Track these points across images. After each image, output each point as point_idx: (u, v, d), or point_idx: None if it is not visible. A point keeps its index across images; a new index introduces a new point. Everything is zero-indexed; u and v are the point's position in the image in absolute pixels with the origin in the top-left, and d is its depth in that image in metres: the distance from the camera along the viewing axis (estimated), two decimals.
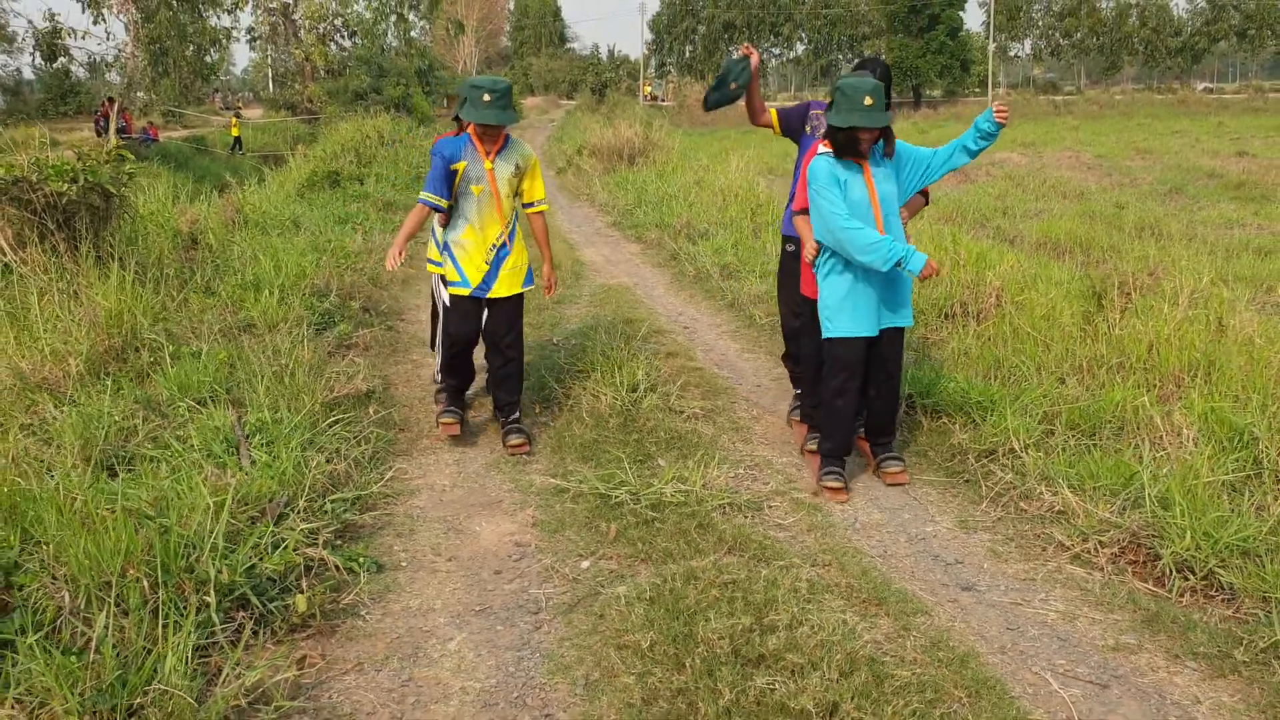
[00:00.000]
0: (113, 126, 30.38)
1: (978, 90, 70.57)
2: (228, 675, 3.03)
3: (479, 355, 5.76)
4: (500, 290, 5.35)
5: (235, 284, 8.27)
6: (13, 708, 2.60)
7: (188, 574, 3.48)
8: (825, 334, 4.87)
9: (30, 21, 37.51)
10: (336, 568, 3.92)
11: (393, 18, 46.46)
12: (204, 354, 6.25)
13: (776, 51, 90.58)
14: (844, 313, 4.80)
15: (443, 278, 5.54)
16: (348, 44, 47.60)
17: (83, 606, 3.19)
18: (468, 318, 5.39)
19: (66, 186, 8.31)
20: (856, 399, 4.93)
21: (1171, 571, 3.86)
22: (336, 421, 5.31)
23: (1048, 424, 5.19)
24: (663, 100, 62.67)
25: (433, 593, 3.93)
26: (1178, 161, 22.85)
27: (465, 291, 5.33)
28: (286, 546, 3.84)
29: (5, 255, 8.03)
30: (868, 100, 4.59)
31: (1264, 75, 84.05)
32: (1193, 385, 5.59)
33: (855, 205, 4.73)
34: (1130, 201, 16.48)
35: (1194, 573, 3.83)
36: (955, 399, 5.59)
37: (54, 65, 38.14)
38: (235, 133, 33.54)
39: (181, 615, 3.20)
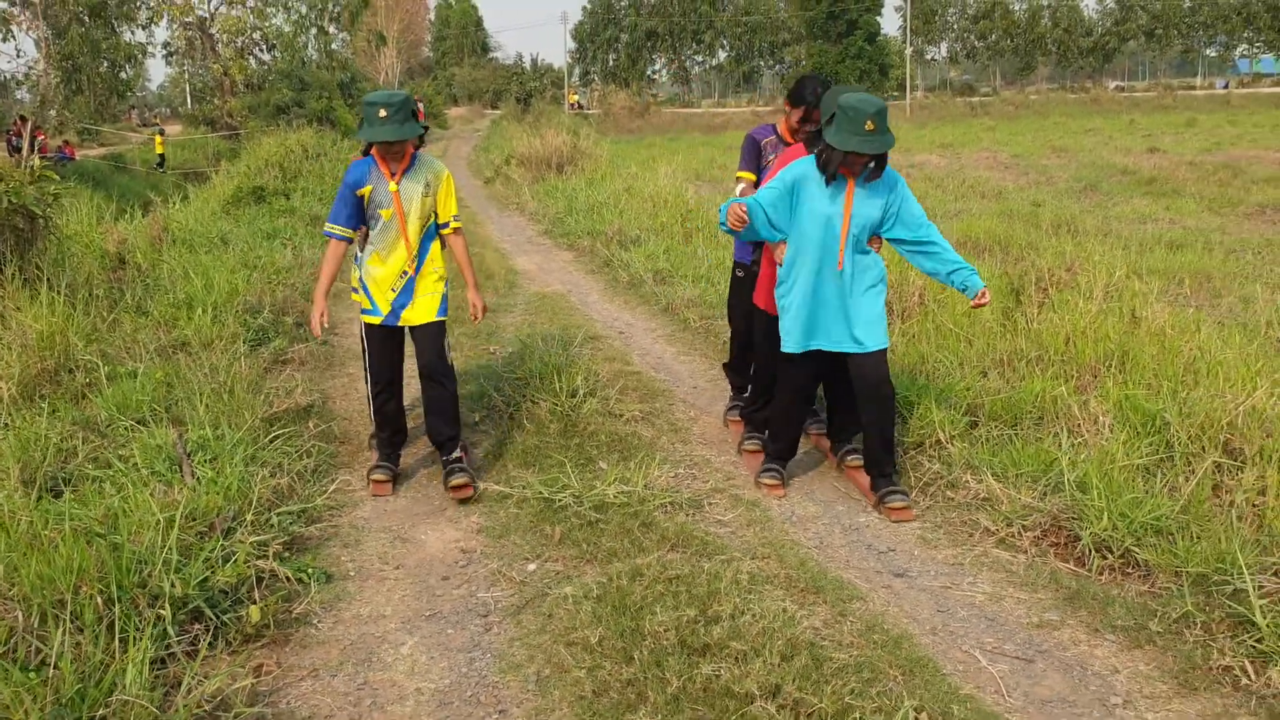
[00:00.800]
0: (26, 145, 29.73)
1: (896, 93, 71.73)
2: (187, 685, 3.09)
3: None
4: (414, 317, 5.04)
5: (167, 303, 8.23)
6: None
7: (141, 589, 3.52)
8: (787, 348, 4.78)
9: None
10: (287, 579, 3.98)
11: (313, 30, 46.03)
12: (140, 373, 6.25)
13: (699, 59, 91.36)
14: (799, 325, 4.72)
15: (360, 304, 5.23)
16: (267, 58, 47.01)
17: (37, 625, 3.23)
18: (384, 349, 5.11)
19: None
20: (807, 410, 5.09)
21: (1090, 551, 4.07)
22: (278, 436, 5.35)
23: (971, 416, 5.40)
24: (588, 108, 62.81)
25: (382, 600, 4.00)
26: (1092, 159, 23.43)
27: (376, 320, 5.05)
28: (237, 559, 3.89)
29: None
30: (869, 125, 4.39)
31: (1172, 73, 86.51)
32: (1108, 375, 5.84)
33: (817, 215, 4.61)
34: (1047, 199, 16.92)
35: (1111, 551, 4.05)
36: None
37: None
38: (160, 150, 32.93)
39: (138, 630, 3.24)
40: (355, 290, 5.19)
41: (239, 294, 8.46)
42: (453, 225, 5.13)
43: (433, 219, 5.07)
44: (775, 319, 4.97)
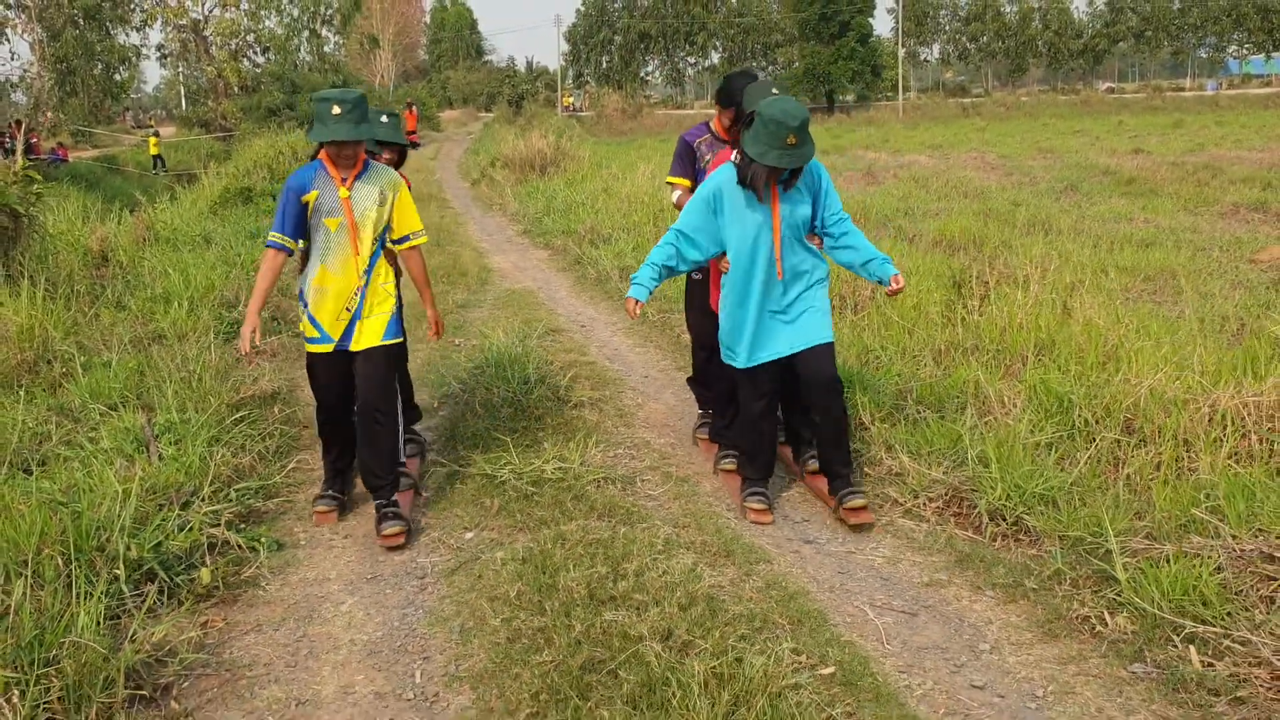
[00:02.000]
0: (19, 148, 30.01)
1: (890, 94, 72.14)
2: (134, 631, 3.41)
3: None
4: (359, 341, 4.58)
5: (145, 298, 8.55)
6: None
7: (99, 552, 3.84)
8: (736, 364, 4.67)
9: None
10: (239, 546, 4.29)
11: (305, 33, 46.31)
12: (114, 363, 6.56)
13: (693, 61, 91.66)
14: (741, 340, 4.60)
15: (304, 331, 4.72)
16: (261, 60, 47.29)
17: (0, 581, 3.54)
18: (335, 379, 4.67)
19: None
20: (775, 421, 4.88)
21: (985, 519, 4.39)
22: (242, 420, 5.66)
23: (900, 400, 5.72)
24: (581, 110, 63.13)
25: (328, 565, 4.32)
26: (1077, 160, 23.58)
27: (327, 349, 4.58)
28: (191, 528, 4.21)
29: None
30: (791, 140, 4.20)
31: (1166, 75, 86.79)
32: (1035, 362, 6.16)
33: (746, 225, 4.48)
34: (1027, 199, 17.10)
35: (1005, 519, 4.37)
36: None
37: None
38: (155, 151, 33.18)
39: (92, 585, 3.56)
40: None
41: (215, 289, 8.77)
42: (413, 240, 4.71)
43: (381, 233, 4.61)
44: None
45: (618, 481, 5.02)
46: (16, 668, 3.05)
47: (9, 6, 43.67)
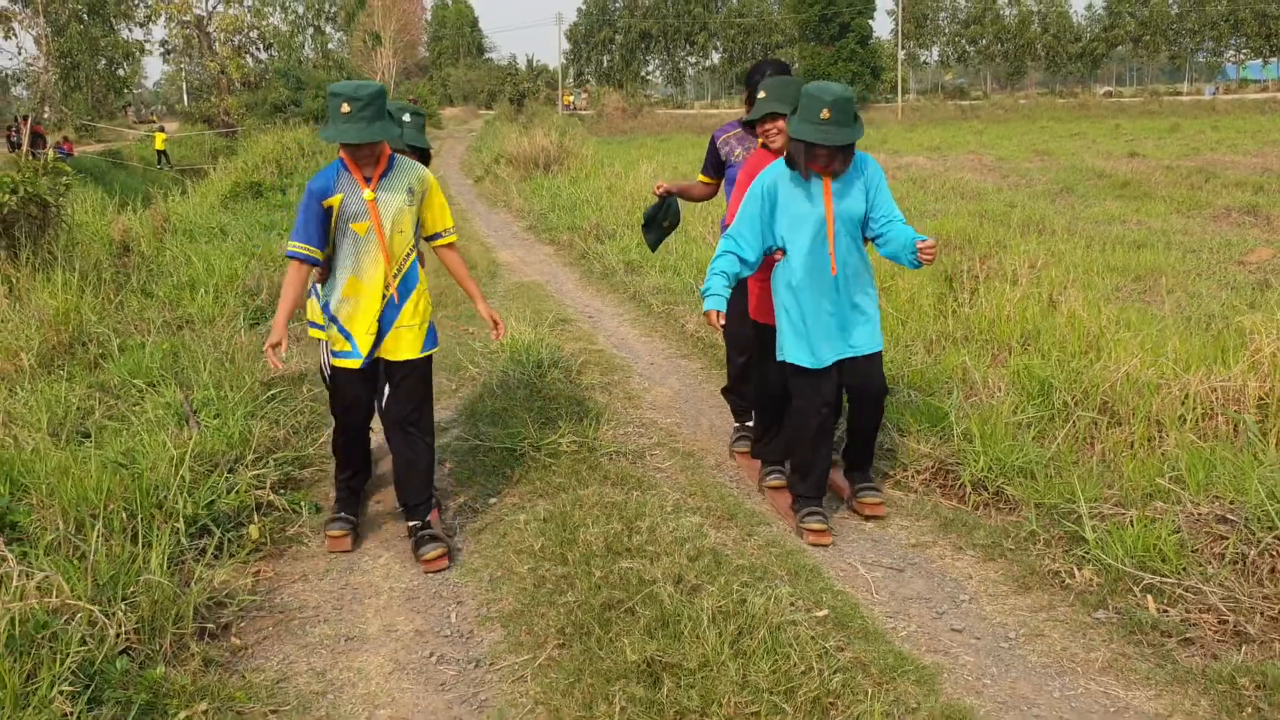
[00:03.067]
0: (25, 142, 30.30)
1: (889, 96, 72.59)
2: (198, 575, 3.78)
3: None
4: (395, 352, 4.31)
5: (170, 285, 8.92)
6: (32, 597, 3.31)
7: (158, 509, 4.21)
8: (790, 360, 4.48)
9: None
10: (283, 507, 4.67)
11: (309, 30, 46.54)
12: (149, 345, 6.92)
13: (693, 60, 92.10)
14: (803, 338, 4.43)
15: (329, 344, 4.47)
16: (264, 56, 47.53)
17: (74, 532, 3.91)
18: (359, 393, 4.39)
19: (6, 197, 8.90)
20: (832, 434, 4.67)
21: (969, 489, 4.77)
22: (274, 398, 6.02)
23: (893, 383, 6.09)
24: (582, 109, 63.50)
25: (365, 526, 4.69)
26: (1073, 163, 23.81)
27: (355, 364, 4.29)
28: (239, 490, 4.58)
29: None
30: (824, 114, 4.09)
31: (1166, 79, 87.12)
32: (1021, 351, 6.54)
33: (799, 220, 4.33)
34: (1022, 201, 17.37)
35: (987, 489, 4.74)
36: None
37: None
38: (160, 146, 33.52)
39: (156, 536, 3.93)
40: (318, 326, 4.59)
41: (238, 278, 9.14)
42: (445, 238, 4.46)
43: (414, 233, 4.36)
44: (771, 331, 4.65)
45: (628, 455, 5.39)
46: (97, 604, 3.42)
47: (13, 1, 44.01)
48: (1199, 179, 19.79)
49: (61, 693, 2.92)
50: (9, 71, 37.50)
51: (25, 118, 31.59)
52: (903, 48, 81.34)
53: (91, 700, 3.00)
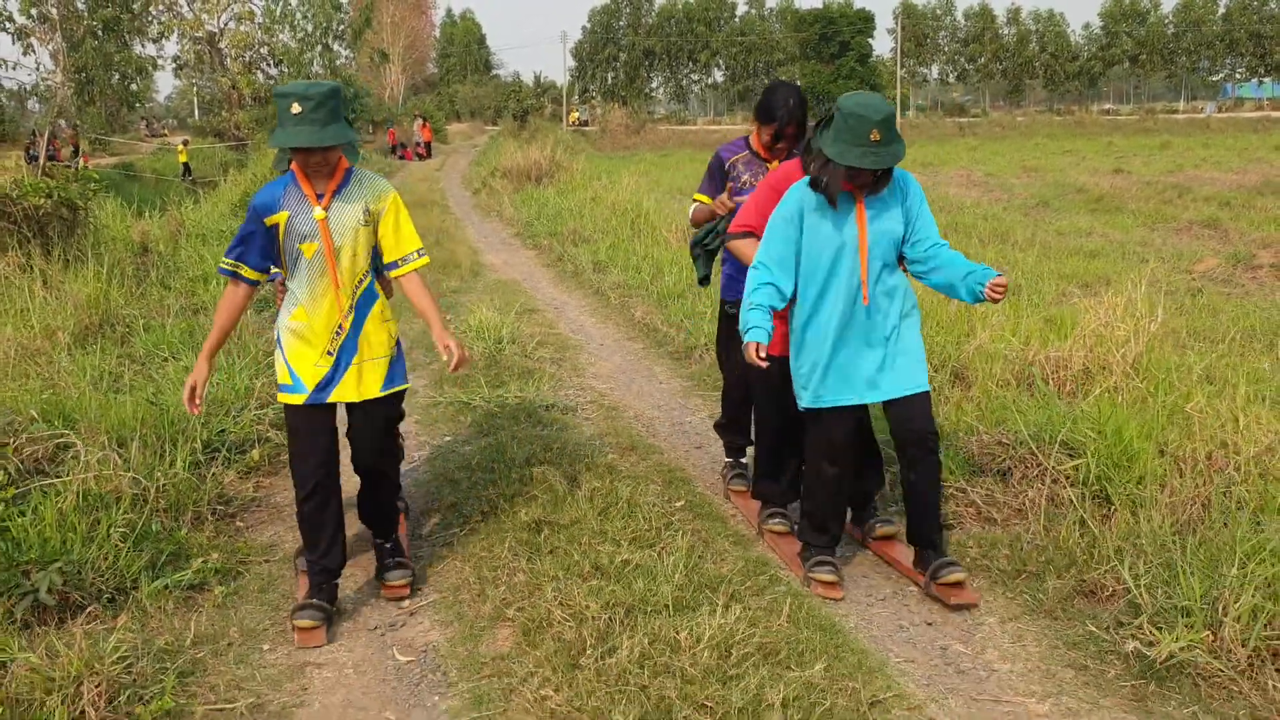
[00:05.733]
0: (43, 155, 31.54)
1: None
2: (212, 474, 4.99)
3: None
4: (350, 392, 3.90)
5: (186, 279, 10.14)
6: (86, 485, 4.49)
7: (180, 435, 5.40)
8: (806, 404, 4.11)
9: None
10: (278, 441, 5.86)
11: (318, 48, 47.88)
12: (168, 325, 8.13)
13: (696, 77, 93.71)
14: (820, 375, 4.03)
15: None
16: (274, 73, 48.85)
17: (116, 444, 5.10)
18: (314, 437, 3.90)
19: (41, 200, 10.14)
20: (850, 485, 4.30)
21: None
22: (272, 364, 7.21)
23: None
24: (589, 125, 64.90)
25: (344, 456, 5.87)
26: (1058, 178, 24.38)
27: (299, 399, 3.88)
28: (243, 425, 5.78)
29: None
30: (874, 135, 3.71)
31: (1171, 97, 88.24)
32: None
33: (825, 242, 3.93)
34: (997, 214, 18.05)
35: None
36: None
37: None
38: (183, 159, 34.93)
39: (179, 450, 5.12)
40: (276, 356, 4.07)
41: None
42: (410, 264, 3.97)
43: (370, 257, 3.94)
44: (774, 364, 4.11)
45: (563, 408, 6.59)
46: (137, 489, 4.61)
47: (30, 18, 45.39)
48: (1172, 194, 20.26)
49: (114, 535, 4.11)
50: (26, 86, 38.78)
51: (43, 132, 32.89)
52: (902, 66, 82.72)
53: (134, 546, 4.19)
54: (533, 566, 4.10)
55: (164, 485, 4.72)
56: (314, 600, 3.90)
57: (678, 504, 4.82)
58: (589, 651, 3.38)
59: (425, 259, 4.01)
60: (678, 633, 3.43)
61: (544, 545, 4.24)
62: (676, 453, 5.82)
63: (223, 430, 5.61)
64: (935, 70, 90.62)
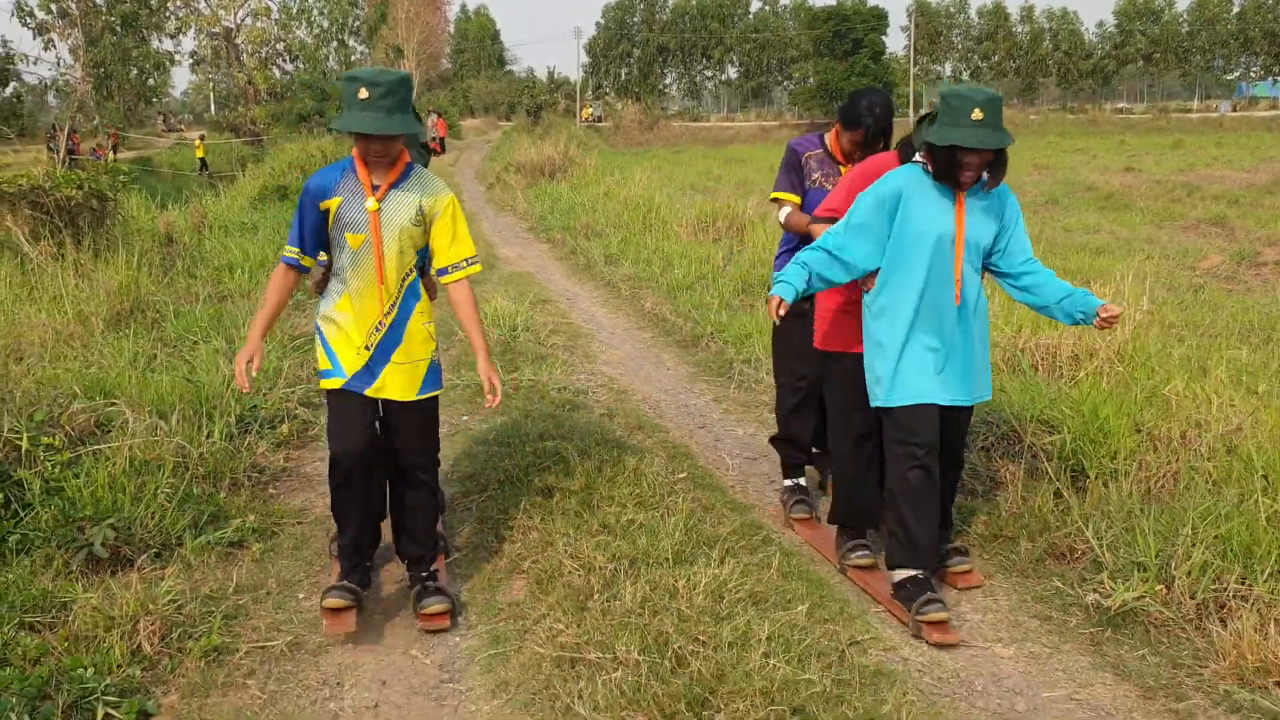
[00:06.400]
0: (62, 149, 31.94)
1: (903, 111, 74.01)
2: (246, 447, 5.35)
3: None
4: (390, 390, 3.86)
5: (211, 268, 10.52)
6: (133, 452, 4.85)
7: (215, 410, 5.76)
8: (884, 403, 3.91)
9: None
10: (305, 418, 6.21)
11: (334, 43, 48.23)
12: (197, 310, 8.50)
13: (709, 74, 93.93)
14: (914, 370, 3.86)
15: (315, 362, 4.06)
16: (290, 68, 49.22)
17: (157, 416, 5.46)
18: (351, 422, 3.86)
19: (73, 191, 10.53)
20: (938, 491, 3.98)
21: None
22: (299, 348, 7.58)
23: None
24: (602, 121, 65.21)
25: None
26: (1068, 177, 24.60)
27: (337, 383, 3.84)
28: (273, 402, 6.13)
29: (24, 247, 10.21)
30: (977, 114, 3.60)
31: (1186, 96, 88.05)
32: None
33: (922, 238, 3.79)
34: None
35: None
36: (736, 333, 8.01)
37: (4, 90, 39.28)
38: (200, 154, 35.44)
39: (214, 424, 5.48)
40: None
41: (269, 262, 10.72)
42: (461, 271, 3.90)
43: (417, 258, 3.90)
44: (846, 361, 4.19)
45: (574, 391, 6.92)
46: (179, 457, 4.97)
47: (51, 14, 45.88)
48: (1182, 192, 20.45)
49: (160, 496, 4.48)
50: (47, 81, 39.24)
51: (63, 127, 33.33)
52: (916, 63, 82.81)
53: (178, 507, 4.55)
54: (546, 525, 4.46)
55: (203, 454, 5.08)
56: (345, 583, 3.91)
57: (680, 475, 5.15)
58: (596, 596, 3.74)
59: (478, 266, 3.94)
60: (676, 581, 3.78)
61: (556, 508, 4.59)
62: (681, 431, 6.16)
63: (254, 406, 5.96)
64: (949, 68, 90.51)
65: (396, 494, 4.06)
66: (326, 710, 3.38)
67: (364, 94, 3.54)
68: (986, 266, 4.01)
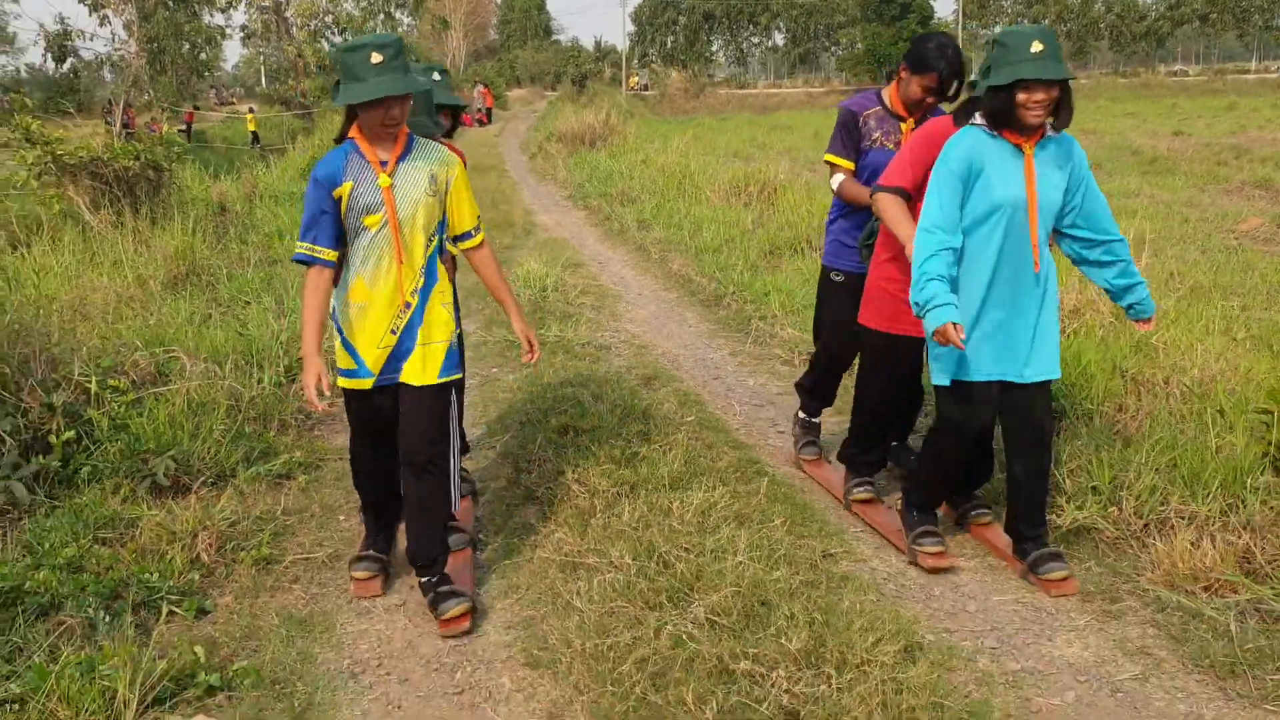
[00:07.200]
0: (119, 123, 32.69)
1: None
2: (293, 394, 5.85)
3: None
4: (408, 374, 3.71)
5: (262, 234, 11.07)
6: (191, 394, 5.37)
7: (264, 359, 6.26)
8: (952, 377, 3.77)
9: (41, 25, 39.93)
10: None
11: (380, 15, 48.75)
12: (249, 273, 9.04)
13: (755, 40, 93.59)
14: (986, 347, 3.72)
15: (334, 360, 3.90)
16: (338, 40, 49.79)
17: (211, 363, 5.97)
18: (375, 418, 3.83)
19: (131, 162, 11.11)
20: (965, 462, 4.08)
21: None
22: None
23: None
24: (648, 89, 65.33)
25: None
26: (1115, 141, 23.93)
27: (364, 384, 3.74)
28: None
29: (85, 216, 10.82)
30: (1036, 45, 3.44)
31: (1244, 56, 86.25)
32: None
33: (994, 204, 3.62)
34: None
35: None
36: (757, 292, 8.40)
37: (63, 66, 40.19)
38: (252, 127, 36.20)
39: (263, 372, 5.98)
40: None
41: None
42: (473, 239, 3.83)
43: (434, 229, 3.70)
44: (896, 340, 4.23)
45: (597, 346, 7.37)
46: (232, 400, 5.48)
47: None
48: (1228, 155, 19.82)
49: (216, 433, 4.99)
50: (103, 57, 40.18)
51: (119, 101, 34.15)
52: (965, 28, 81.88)
53: (232, 443, 5.06)
54: (559, 458, 4.92)
55: (254, 398, 5.59)
56: (369, 552, 4.00)
57: (688, 418, 5.59)
58: (598, 515, 4.21)
59: (483, 234, 3.88)
60: (670, 503, 4.22)
61: (569, 445, 5.05)
62: (695, 381, 6.58)
63: (300, 359, 6.46)
64: (998, 32, 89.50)
65: (405, 490, 3.84)
66: (360, 607, 3.87)
67: (377, 58, 3.40)
68: (1064, 233, 3.83)
